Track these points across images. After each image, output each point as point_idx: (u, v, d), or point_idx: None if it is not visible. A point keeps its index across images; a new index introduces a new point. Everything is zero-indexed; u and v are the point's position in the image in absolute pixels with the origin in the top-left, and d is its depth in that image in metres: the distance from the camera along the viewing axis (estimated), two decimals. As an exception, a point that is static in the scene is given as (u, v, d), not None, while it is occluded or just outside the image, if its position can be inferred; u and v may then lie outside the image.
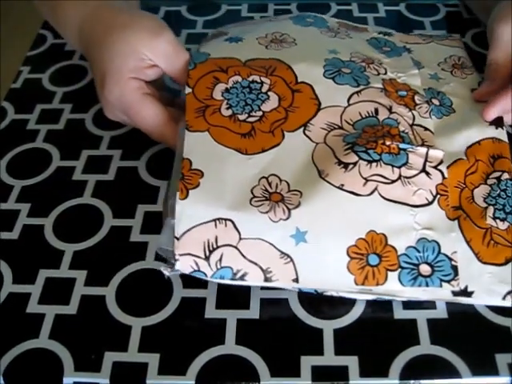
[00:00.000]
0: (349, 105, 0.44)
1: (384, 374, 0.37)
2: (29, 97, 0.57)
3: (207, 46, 0.50)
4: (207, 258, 0.38)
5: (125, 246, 0.44)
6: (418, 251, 0.38)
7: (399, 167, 0.40)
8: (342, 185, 0.39)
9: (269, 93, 0.45)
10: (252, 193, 0.40)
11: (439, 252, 0.38)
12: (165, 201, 0.43)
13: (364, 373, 0.37)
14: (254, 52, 0.48)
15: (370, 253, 0.38)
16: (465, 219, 0.40)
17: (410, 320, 0.39)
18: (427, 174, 0.41)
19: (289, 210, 0.39)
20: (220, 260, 0.38)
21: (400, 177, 0.40)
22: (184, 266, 0.38)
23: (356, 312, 0.40)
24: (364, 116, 0.44)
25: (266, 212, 0.39)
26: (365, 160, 0.40)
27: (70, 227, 0.46)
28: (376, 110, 0.44)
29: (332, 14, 0.64)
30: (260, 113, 0.44)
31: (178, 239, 0.38)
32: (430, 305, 0.40)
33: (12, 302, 0.41)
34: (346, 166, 0.40)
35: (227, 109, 0.44)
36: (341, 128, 0.43)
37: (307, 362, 0.37)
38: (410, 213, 0.39)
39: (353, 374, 0.37)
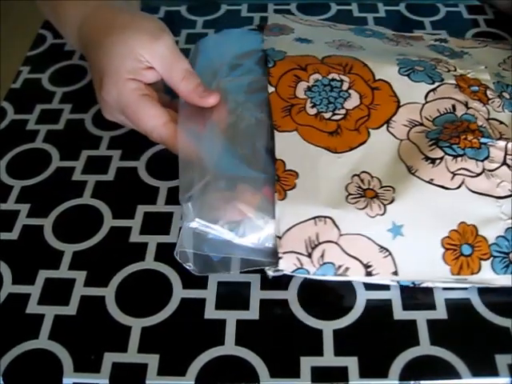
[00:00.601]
0: (426, 102, 0.45)
1: (384, 374, 0.37)
2: (28, 97, 0.57)
3: (278, 43, 0.50)
4: (310, 255, 0.39)
5: (124, 246, 0.44)
6: (508, 240, 0.40)
7: (482, 161, 0.42)
8: (432, 179, 0.41)
9: (349, 91, 0.46)
10: (347, 190, 0.41)
11: None
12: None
13: (364, 373, 0.37)
14: (328, 52, 0.49)
15: (463, 243, 0.39)
16: None
17: (409, 321, 0.39)
18: (508, 166, 0.42)
19: (384, 205, 0.40)
20: (322, 256, 0.39)
21: (484, 170, 0.42)
22: (287, 263, 0.39)
23: (356, 313, 0.40)
24: (442, 112, 0.45)
25: (363, 208, 0.40)
26: (450, 155, 0.42)
27: (70, 228, 0.46)
28: (453, 107, 0.45)
29: (332, 14, 0.64)
30: (343, 111, 0.45)
31: (280, 238, 0.39)
32: (429, 305, 0.40)
33: (11, 302, 0.41)
34: (433, 161, 0.42)
35: (312, 107, 0.45)
36: (421, 125, 0.44)
37: (307, 363, 0.37)
38: (496, 204, 0.41)
39: (352, 375, 0.37)
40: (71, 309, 0.41)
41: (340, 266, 0.39)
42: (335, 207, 0.40)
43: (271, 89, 0.46)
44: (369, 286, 0.41)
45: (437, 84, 0.46)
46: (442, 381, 0.37)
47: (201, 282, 0.41)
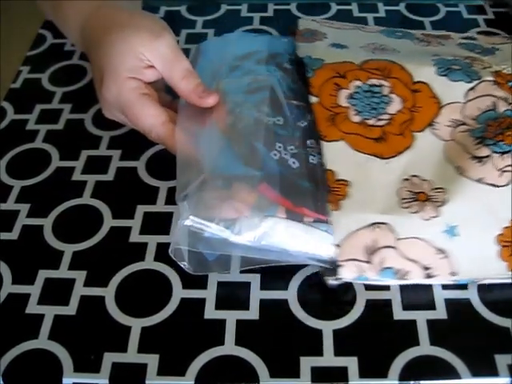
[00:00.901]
0: (467, 101, 0.46)
1: (383, 374, 0.37)
2: (28, 97, 0.57)
3: (314, 49, 0.51)
4: (369, 261, 0.39)
5: (124, 246, 0.44)
6: None
7: None
8: (481, 178, 0.42)
9: (390, 95, 0.46)
10: (399, 195, 0.42)
11: None
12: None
13: (363, 373, 0.37)
14: (364, 57, 0.49)
15: None
16: None
17: (409, 321, 0.39)
18: None
19: (437, 207, 0.40)
20: (381, 262, 0.39)
21: None
22: (348, 271, 0.39)
23: (355, 313, 0.40)
24: (484, 110, 0.45)
25: (417, 212, 0.40)
26: (497, 152, 0.42)
27: (70, 228, 0.46)
28: (494, 104, 0.45)
29: (332, 14, 0.64)
30: (387, 116, 0.45)
31: (338, 246, 0.39)
32: (429, 305, 0.40)
33: (11, 302, 0.41)
34: (480, 160, 0.42)
35: (355, 115, 0.45)
36: (464, 124, 0.45)
37: (307, 363, 0.37)
38: None
39: (352, 375, 0.37)
40: (71, 309, 0.41)
41: (399, 270, 0.39)
42: (390, 213, 0.40)
43: (314, 99, 0.46)
44: (368, 286, 0.41)
45: (475, 82, 0.46)
46: (442, 381, 0.37)
47: (201, 282, 0.41)
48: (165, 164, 0.47)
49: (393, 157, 0.43)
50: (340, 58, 0.49)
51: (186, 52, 0.50)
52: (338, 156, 0.43)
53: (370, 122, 0.45)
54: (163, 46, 0.46)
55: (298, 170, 0.42)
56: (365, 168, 0.43)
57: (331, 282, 0.40)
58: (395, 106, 0.45)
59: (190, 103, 0.47)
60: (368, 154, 0.44)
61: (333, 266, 0.40)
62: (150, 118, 0.46)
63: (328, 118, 0.45)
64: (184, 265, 0.40)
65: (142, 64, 0.46)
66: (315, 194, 0.41)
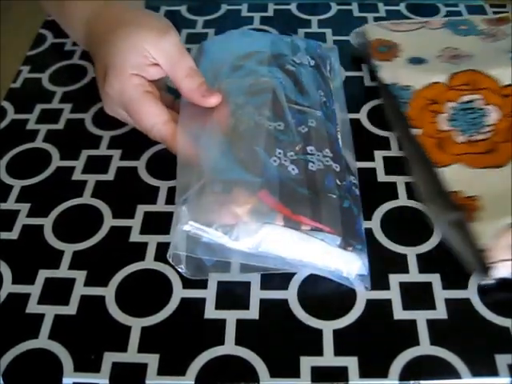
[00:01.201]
0: None
1: (384, 374, 0.37)
2: (28, 96, 0.57)
3: (396, 71, 0.53)
4: None
5: (124, 246, 0.44)
6: None
7: None
8: None
9: (485, 107, 0.48)
10: None
11: None
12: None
13: (364, 373, 0.37)
14: (446, 71, 0.52)
15: None
16: None
17: (409, 320, 0.39)
18: None
19: None
20: None
21: None
22: (501, 271, 0.40)
23: (356, 312, 0.40)
24: None
25: None
26: None
27: (70, 227, 0.46)
28: None
29: (332, 14, 0.64)
30: (488, 127, 0.47)
31: (487, 250, 0.40)
32: (429, 305, 0.40)
33: (11, 302, 0.41)
34: None
35: (460, 135, 0.47)
36: None
37: (307, 363, 0.37)
38: None
39: (352, 375, 0.37)
40: (71, 308, 0.41)
41: None
42: None
43: (418, 131, 0.48)
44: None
45: None
46: (442, 381, 0.37)
47: (201, 282, 0.41)
48: (165, 164, 0.47)
49: (509, 163, 0.46)
50: (425, 79, 0.51)
51: (188, 52, 0.49)
52: (458, 177, 0.45)
53: (475, 137, 0.47)
54: (168, 44, 0.46)
55: (297, 177, 0.42)
56: (487, 180, 0.45)
57: (485, 282, 0.41)
58: (493, 115, 0.48)
59: (193, 102, 0.47)
60: (484, 167, 0.46)
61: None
62: (152, 116, 0.46)
63: (436, 145, 0.47)
64: (181, 268, 0.40)
65: (146, 61, 0.46)
66: (314, 201, 0.41)
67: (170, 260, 0.40)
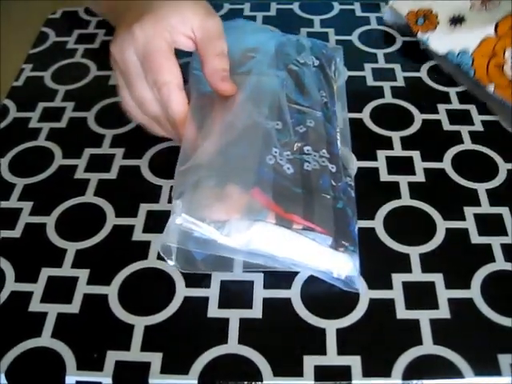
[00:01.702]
0: None
1: (387, 373, 0.37)
2: (31, 95, 0.57)
3: (446, 39, 0.55)
4: None
5: (127, 244, 0.44)
6: None
7: None
8: None
9: None
10: None
11: None
12: None
13: (367, 372, 0.37)
14: (488, 21, 0.53)
15: None
16: None
17: (412, 320, 0.39)
18: None
19: None
20: None
21: None
22: None
23: (359, 312, 0.40)
24: None
25: None
26: None
27: (73, 226, 0.46)
28: None
29: (334, 14, 0.64)
30: None
31: None
32: (432, 305, 0.40)
33: (14, 300, 0.41)
34: None
35: None
36: None
37: (310, 362, 0.37)
38: None
39: (355, 374, 0.37)
40: (74, 307, 0.41)
41: None
42: None
43: (492, 86, 0.50)
44: (372, 285, 0.41)
45: None
46: (445, 380, 0.37)
47: (204, 281, 0.41)
48: (168, 162, 0.47)
49: None
50: (476, 37, 0.53)
51: (189, 54, 0.49)
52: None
53: None
54: (212, 24, 0.47)
55: (292, 176, 0.42)
56: None
57: None
58: None
59: (209, 87, 0.46)
60: None
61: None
62: (170, 73, 0.45)
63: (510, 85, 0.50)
64: (171, 260, 0.41)
65: (185, 31, 0.46)
66: (307, 201, 0.41)
67: (161, 252, 0.41)
